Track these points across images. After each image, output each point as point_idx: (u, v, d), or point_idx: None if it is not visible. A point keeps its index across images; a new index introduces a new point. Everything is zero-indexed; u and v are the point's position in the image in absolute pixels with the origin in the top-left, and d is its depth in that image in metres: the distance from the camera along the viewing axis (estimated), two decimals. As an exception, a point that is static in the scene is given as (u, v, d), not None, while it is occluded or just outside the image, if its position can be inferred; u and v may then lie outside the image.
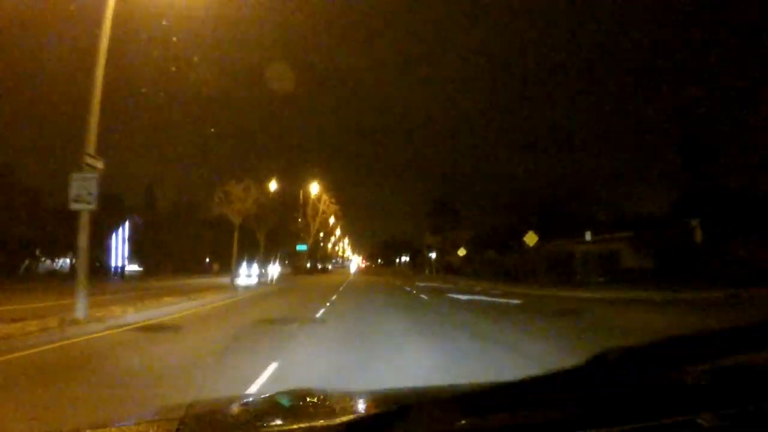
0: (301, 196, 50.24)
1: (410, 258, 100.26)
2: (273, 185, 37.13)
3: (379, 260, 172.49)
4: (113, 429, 1.42)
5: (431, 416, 1.27)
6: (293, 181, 49.82)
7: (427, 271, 65.17)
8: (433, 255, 59.40)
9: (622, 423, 1.20)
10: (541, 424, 1.23)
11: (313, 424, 1.26)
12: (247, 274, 32.45)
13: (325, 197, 55.18)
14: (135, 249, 71.88)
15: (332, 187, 56.83)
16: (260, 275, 34.73)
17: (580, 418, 1.23)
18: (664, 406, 1.28)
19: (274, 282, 33.43)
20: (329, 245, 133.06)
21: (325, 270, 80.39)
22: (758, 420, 1.22)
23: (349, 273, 77.85)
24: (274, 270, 53.31)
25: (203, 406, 1.60)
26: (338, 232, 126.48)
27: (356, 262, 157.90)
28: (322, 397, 1.73)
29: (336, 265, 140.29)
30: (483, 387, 1.61)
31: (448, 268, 58.06)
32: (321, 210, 55.63)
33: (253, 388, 5.30)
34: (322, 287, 29.72)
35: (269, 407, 1.60)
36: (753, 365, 1.39)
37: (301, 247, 49.46)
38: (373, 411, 1.48)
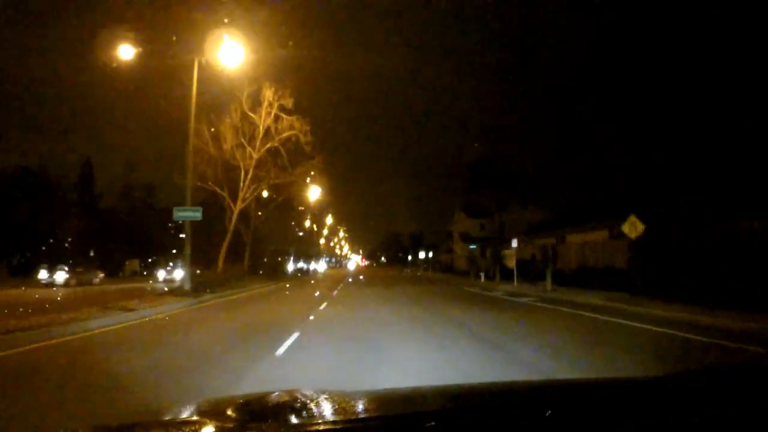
0: (195, 75, 17.71)
1: (432, 253, 67.58)
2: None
3: (383, 258, 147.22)
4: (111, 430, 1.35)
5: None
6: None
7: (482, 277, 33.26)
8: (514, 243, 26.87)
9: (622, 423, 1.20)
10: (544, 424, 1.22)
11: (313, 424, 1.26)
12: None
13: (267, 94, 22.59)
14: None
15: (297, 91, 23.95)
16: None
17: (582, 419, 1.24)
18: (663, 407, 1.29)
19: None
20: (322, 238, 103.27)
21: (299, 274, 48.28)
22: (758, 420, 1.22)
23: (341, 279, 45.73)
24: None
25: (203, 406, 1.54)
26: (329, 220, 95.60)
27: (355, 260, 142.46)
28: (322, 397, 1.59)
29: (331, 265, 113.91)
30: (481, 387, 1.84)
31: (554, 271, 25.38)
32: (262, 126, 23.22)
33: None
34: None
35: (269, 407, 1.55)
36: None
37: (183, 214, 16.92)
38: (373, 412, 1.46)
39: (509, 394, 1.68)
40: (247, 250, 32.16)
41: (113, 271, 47.01)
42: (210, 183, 23.84)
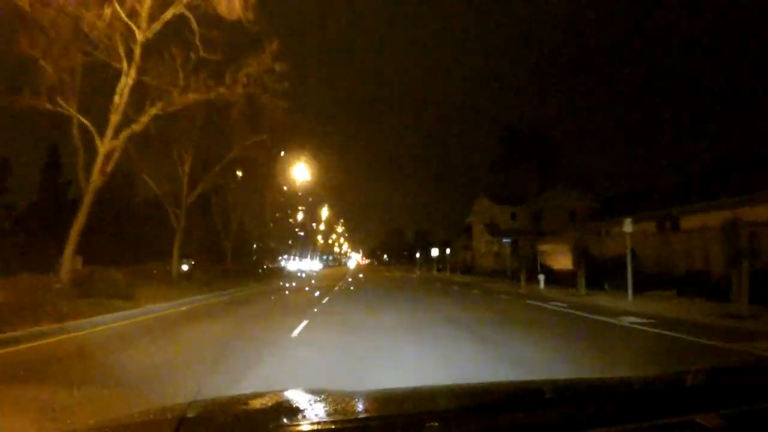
0: None
1: (448, 251, 56.06)
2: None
3: (385, 257, 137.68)
4: (113, 429, 1.32)
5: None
6: None
7: (541, 283, 21.80)
8: (627, 228, 14.93)
9: (623, 423, 1.18)
10: (544, 424, 1.20)
11: (313, 423, 1.24)
12: None
13: None
14: None
15: None
16: None
17: (582, 419, 1.22)
18: (664, 406, 1.27)
19: None
20: (319, 235, 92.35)
21: (291, 277, 36.15)
22: (758, 420, 1.20)
23: (335, 282, 34.40)
24: None
25: (202, 405, 1.49)
26: (325, 212, 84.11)
27: (356, 259, 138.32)
28: (321, 397, 1.58)
29: (330, 264, 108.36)
30: (482, 388, 1.81)
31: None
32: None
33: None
34: None
35: (269, 407, 1.51)
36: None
37: None
38: (373, 412, 1.44)
39: (509, 394, 1.69)
40: (177, 239, 20.18)
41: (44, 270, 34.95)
42: (59, 99, 11.93)
